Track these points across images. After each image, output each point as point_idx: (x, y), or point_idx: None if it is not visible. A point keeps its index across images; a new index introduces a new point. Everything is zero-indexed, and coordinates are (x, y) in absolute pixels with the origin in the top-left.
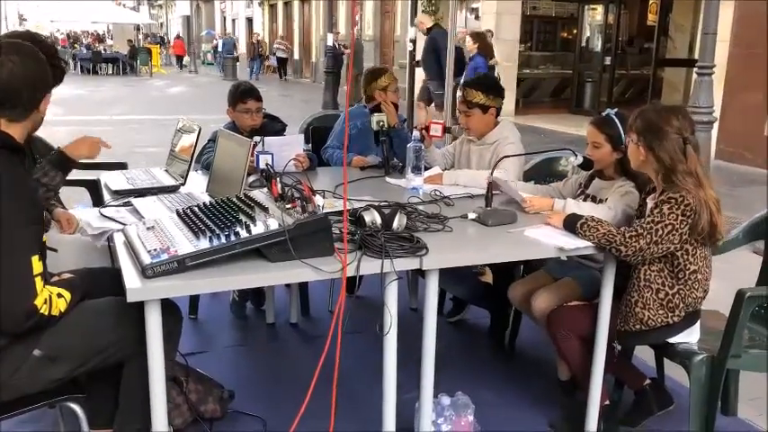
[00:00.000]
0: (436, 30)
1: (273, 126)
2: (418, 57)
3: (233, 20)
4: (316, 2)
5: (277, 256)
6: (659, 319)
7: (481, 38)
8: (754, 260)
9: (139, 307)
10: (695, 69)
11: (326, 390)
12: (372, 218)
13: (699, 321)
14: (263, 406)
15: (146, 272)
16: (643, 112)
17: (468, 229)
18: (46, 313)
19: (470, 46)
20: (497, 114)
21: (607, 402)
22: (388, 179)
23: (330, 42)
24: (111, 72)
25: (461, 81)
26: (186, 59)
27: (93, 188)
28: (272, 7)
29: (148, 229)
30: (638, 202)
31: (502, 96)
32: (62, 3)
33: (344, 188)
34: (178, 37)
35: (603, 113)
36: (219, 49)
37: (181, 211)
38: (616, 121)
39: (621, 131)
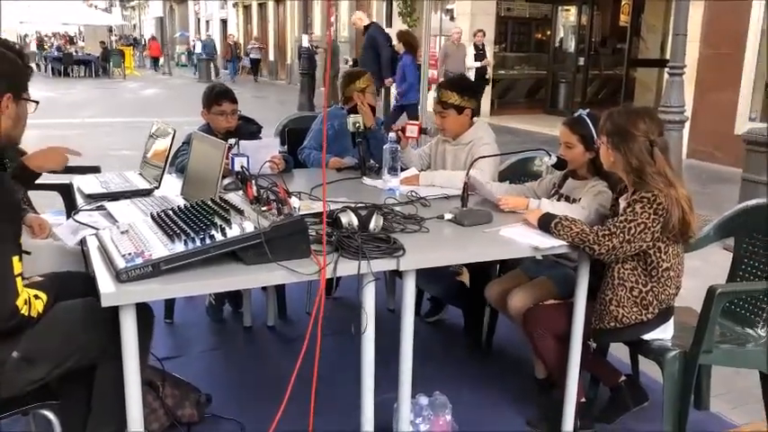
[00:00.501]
0: (374, 28)
1: (249, 128)
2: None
3: (207, 21)
4: (291, 2)
5: (253, 258)
6: (633, 317)
7: (409, 37)
8: (725, 257)
9: (112, 308)
10: (666, 70)
11: (305, 392)
12: (349, 219)
13: (672, 318)
14: (240, 409)
15: (120, 276)
16: (611, 114)
17: (444, 229)
18: (26, 314)
19: (399, 46)
20: (473, 115)
21: (583, 400)
22: (364, 180)
23: (305, 44)
24: (83, 74)
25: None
26: (162, 61)
27: (66, 192)
28: (247, 8)
29: (122, 233)
30: (610, 201)
31: (477, 98)
32: (32, 3)
33: (323, 189)
34: (153, 38)
35: (575, 114)
36: (198, 50)
37: (155, 214)
38: (588, 121)
39: (593, 132)
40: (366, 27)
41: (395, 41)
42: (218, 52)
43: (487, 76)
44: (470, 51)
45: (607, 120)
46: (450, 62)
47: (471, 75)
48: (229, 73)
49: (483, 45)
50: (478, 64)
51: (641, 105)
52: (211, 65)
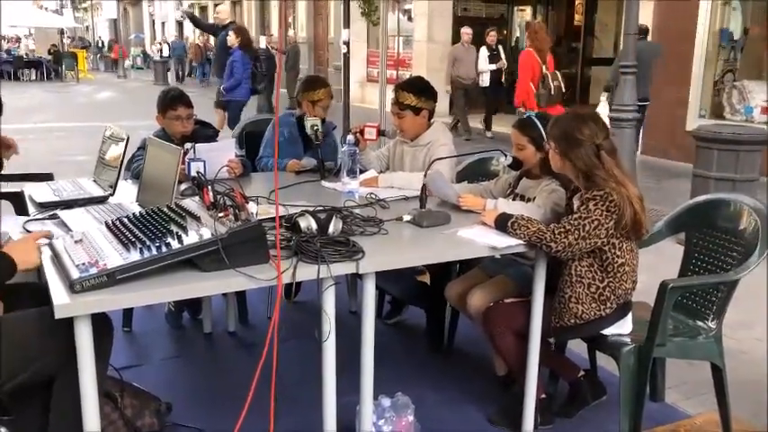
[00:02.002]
0: (232, 29)
1: (205, 132)
2: (353, 58)
3: (162, 23)
4: (247, 3)
5: (210, 265)
6: (592, 312)
7: (243, 33)
8: (678, 250)
9: (67, 320)
10: (619, 68)
11: (266, 397)
12: (308, 223)
13: (630, 313)
14: (202, 417)
15: (74, 287)
16: (558, 120)
17: (403, 231)
18: None
19: (231, 40)
20: (430, 117)
21: (543, 395)
22: (323, 183)
23: (263, 45)
24: (34, 78)
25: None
26: (132, 63)
27: (17, 201)
28: (203, 10)
29: (76, 242)
30: (564, 199)
31: (434, 99)
32: None
33: (275, 194)
34: (115, 41)
35: (525, 115)
36: (166, 53)
37: (110, 222)
38: (537, 122)
39: (543, 132)
40: (225, 26)
41: (231, 35)
42: (188, 54)
43: (503, 81)
44: (483, 53)
45: (554, 126)
46: (460, 66)
47: (485, 79)
48: (198, 76)
49: (497, 45)
50: (493, 66)
51: (591, 107)
52: (171, 67)
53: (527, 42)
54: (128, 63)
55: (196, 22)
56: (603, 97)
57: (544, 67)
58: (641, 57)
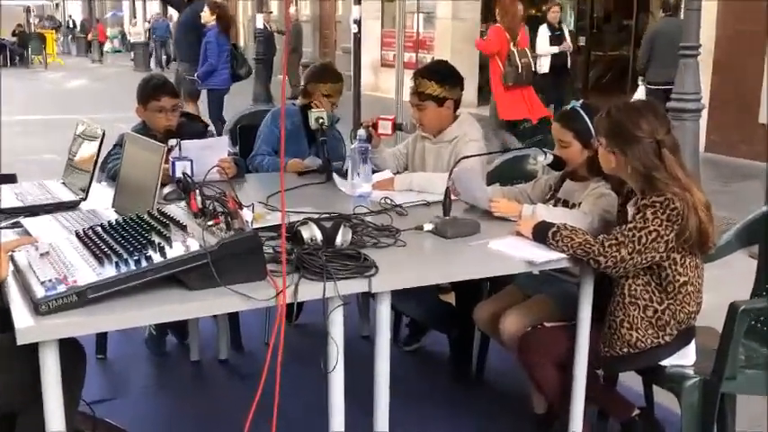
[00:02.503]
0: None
1: (193, 127)
2: (365, 39)
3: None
4: None
5: (198, 283)
6: (649, 340)
7: (220, 8)
8: (751, 265)
9: (33, 346)
10: (680, 50)
11: None
12: (311, 233)
13: (693, 340)
14: None
15: (39, 307)
16: (610, 112)
17: (424, 242)
18: None
19: (207, 17)
20: (456, 107)
21: None
22: (330, 186)
23: (260, 24)
24: None
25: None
26: (110, 46)
27: None
28: None
29: (42, 255)
30: (615, 205)
31: (460, 86)
32: None
33: (281, 196)
34: (98, 21)
35: (568, 107)
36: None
37: (81, 232)
38: (583, 114)
39: (590, 126)
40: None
41: (206, 11)
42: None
43: (569, 66)
44: (543, 32)
45: (604, 118)
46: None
47: (545, 64)
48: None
49: (560, 24)
50: (555, 49)
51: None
52: (155, 51)
53: (497, 18)
54: (108, 47)
55: None
56: (640, 81)
57: (512, 44)
58: (667, 37)
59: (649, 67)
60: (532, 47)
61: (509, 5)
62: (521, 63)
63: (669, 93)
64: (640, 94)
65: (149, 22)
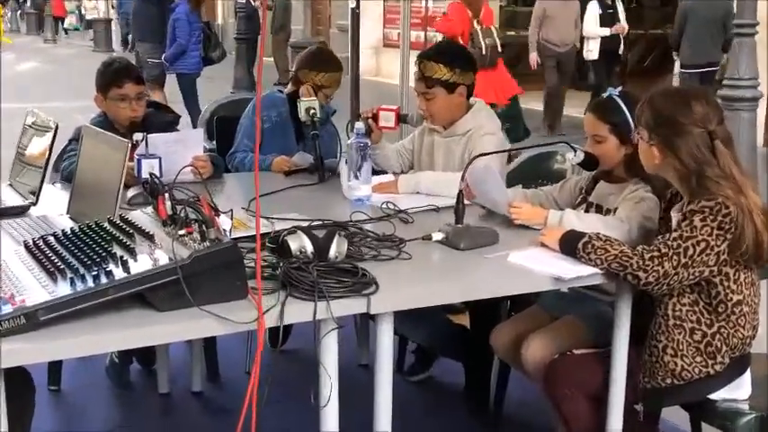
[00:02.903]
0: None
1: (162, 118)
2: (364, 15)
3: None
4: None
5: (167, 302)
6: (696, 369)
7: None
8: None
9: None
10: (734, 28)
11: None
12: (300, 244)
13: (749, 369)
14: None
15: None
16: (653, 99)
17: (432, 254)
18: None
19: None
20: (469, 95)
21: None
22: (323, 188)
23: None
24: None
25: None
26: (69, 22)
27: None
28: None
29: None
30: (657, 211)
31: (473, 69)
32: None
33: (256, 202)
34: None
35: (604, 95)
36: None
37: (31, 243)
38: (621, 104)
39: (630, 118)
40: None
41: None
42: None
43: (620, 52)
44: (592, 9)
45: (646, 107)
46: (550, 27)
47: (594, 48)
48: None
49: (614, 1)
50: (606, 31)
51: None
52: (121, 30)
53: None
54: (68, 23)
55: None
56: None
57: (475, 21)
58: (699, 15)
59: (683, 48)
60: (510, 25)
61: None
62: (485, 43)
63: (705, 77)
64: (674, 78)
65: None
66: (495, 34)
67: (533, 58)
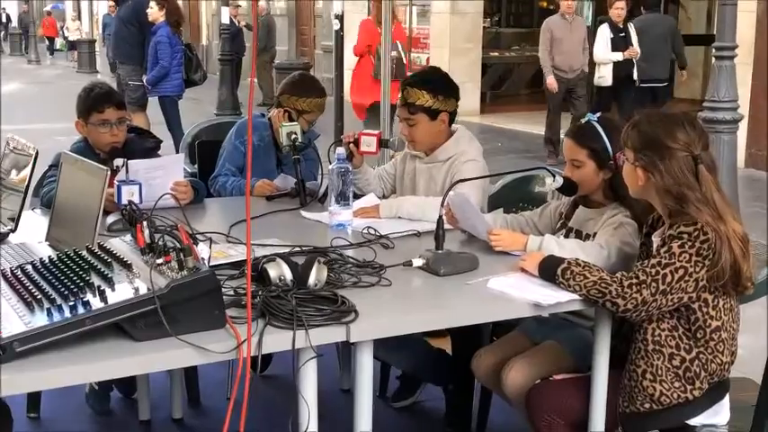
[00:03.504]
0: None
1: (142, 144)
2: (348, 37)
3: None
4: None
5: (145, 332)
6: (675, 394)
7: (168, 1)
8: None
9: None
10: (713, 51)
11: None
12: (279, 272)
13: (728, 395)
14: None
15: None
16: (639, 122)
17: (413, 280)
18: None
19: (155, 14)
20: (451, 121)
21: None
22: (303, 213)
23: (225, 19)
24: None
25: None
26: (61, 42)
27: None
28: None
29: None
30: (637, 236)
31: (456, 97)
32: None
33: (247, 228)
34: (49, 13)
35: (583, 120)
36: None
37: (8, 271)
38: (599, 130)
39: (607, 143)
40: None
41: (153, 7)
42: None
43: (635, 77)
44: (603, 33)
45: (634, 129)
46: (556, 51)
47: (607, 74)
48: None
49: (626, 23)
50: (619, 56)
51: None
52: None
53: (372, 11)
54: (60, 42)
55: None
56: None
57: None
58: (650, 34)
59: (639, 64)
60: (493, 46)
61: None
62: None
63: (656, 91)
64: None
65: (96, 15)
66: (401, 48)
67: (551, 81)
